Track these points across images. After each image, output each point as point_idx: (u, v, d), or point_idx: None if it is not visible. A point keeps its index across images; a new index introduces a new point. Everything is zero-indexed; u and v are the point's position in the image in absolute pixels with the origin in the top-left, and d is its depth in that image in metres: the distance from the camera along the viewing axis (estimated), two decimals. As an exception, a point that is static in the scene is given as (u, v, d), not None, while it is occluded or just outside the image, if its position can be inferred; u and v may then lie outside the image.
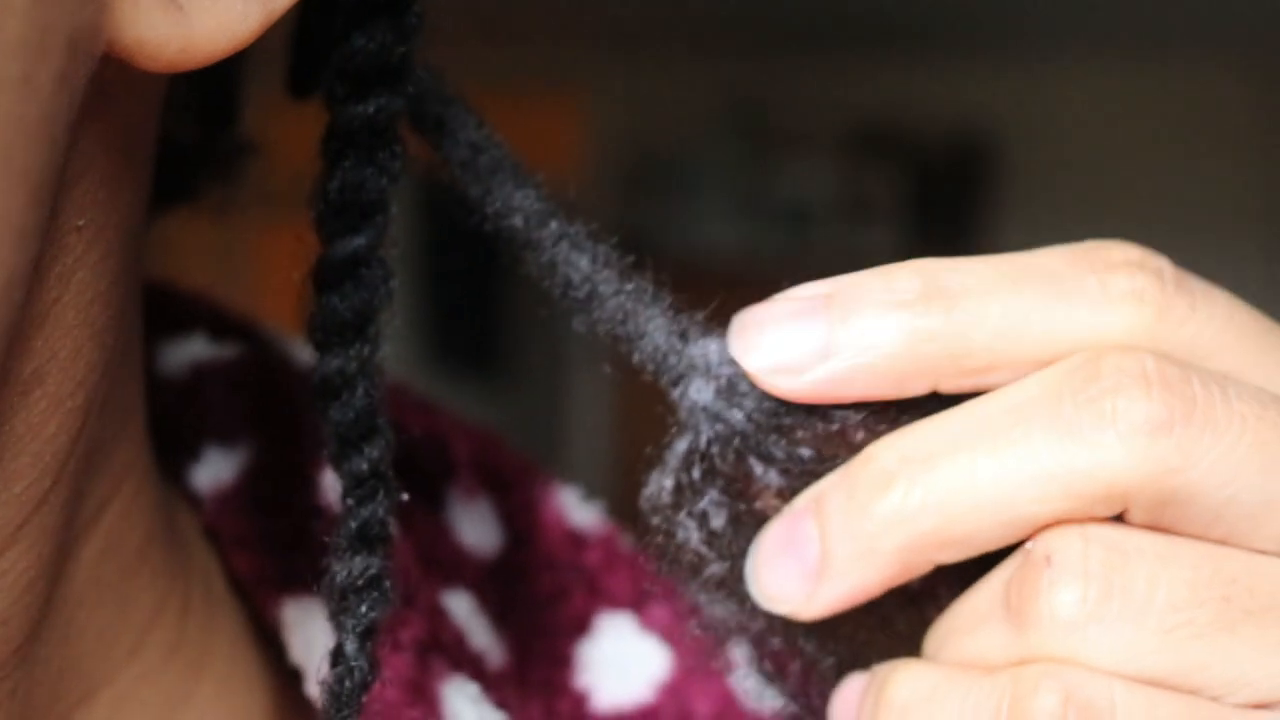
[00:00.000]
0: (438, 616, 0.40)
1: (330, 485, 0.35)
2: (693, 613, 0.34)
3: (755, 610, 0.33)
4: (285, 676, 0.40)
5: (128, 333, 0.36)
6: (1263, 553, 0.30)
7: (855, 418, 0.31)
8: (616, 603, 0.46)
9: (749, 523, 0.32)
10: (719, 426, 0.32)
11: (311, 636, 0.39)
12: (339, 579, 0.34)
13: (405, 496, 0.35)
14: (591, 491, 0.48)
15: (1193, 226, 2.84)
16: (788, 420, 0.32)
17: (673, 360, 0.33)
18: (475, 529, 0.45)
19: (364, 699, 0.34)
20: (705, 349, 0.32)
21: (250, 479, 0.41)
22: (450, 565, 0.43)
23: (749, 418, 0.32)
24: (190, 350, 0.44)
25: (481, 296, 3.92)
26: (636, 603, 0.46)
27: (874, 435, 0.31)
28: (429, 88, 0.34)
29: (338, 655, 0.34)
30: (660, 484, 0.33)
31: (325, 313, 0.33)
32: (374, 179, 0.33)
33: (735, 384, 0.32)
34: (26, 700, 0.35)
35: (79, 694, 0.36)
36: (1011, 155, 3.79)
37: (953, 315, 0.31)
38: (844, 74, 3.75)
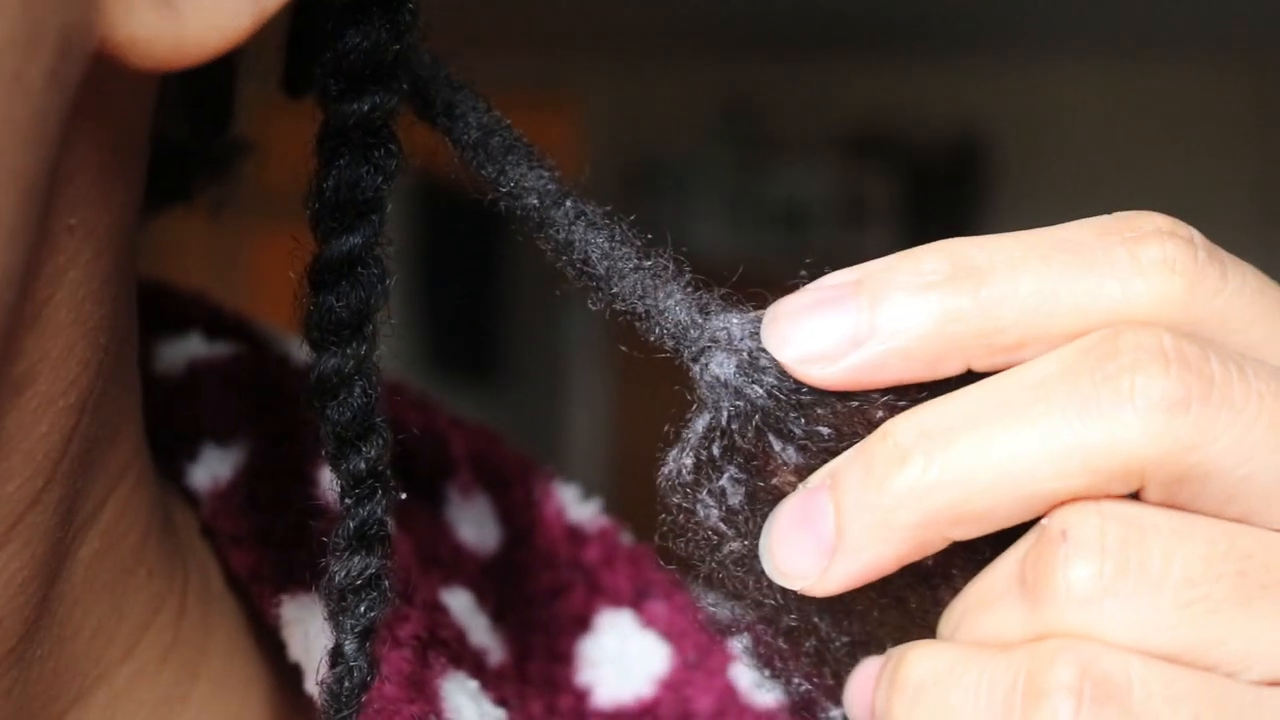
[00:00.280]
0: (437, 613, 0.40)
1: (328, 483, 0.35)
2: (703, 595, 0.34)
3: (770, 587, 0.32)
4: (285, 674, 0.40)
5: (122, 332, 0.35)
6: (1279, 530, 0.29)
7: (876, 395, 0.31)
8: (616, 599, 0.46)
9: (766, 500, 0.32)
10: (739, 402, 0.32)
11: (311, 634, 0.39)
12: (337, 579, 0.34)
13: (403, 496, 0.35)
14: (589, 494, 0.48)
15: (1188, 226, 2.83)
16: (808, 397, 0.32)
17: (694, 334, 0.32)
18: (474, 526, 0.45)
19: (363, 698, 0.34)
20: (727, 323, 0.32)
21: (248, 477, 0.41)
22: (449, 563, 0.43)
23: (770, 394, 0.32)
24: (187, 349, 0.44)
25: (478, 301, 3.93)
26: (636, 599, 0.46)
27: (894, 412, 0.31)
28: (436, 74, 0.34)
29: (337, 655, 0.34)
30: (680, 461, 0.32)
31: (322, 312, 0.33)
32: (369, 177, 0.33)
33: (757, 359, 0.32)
34: (22, 699, 0.34)
35: (74, 693, 0.36)
36: (1007, 157, 3.79)
37: (981, 294, 0.30)
38: (839, 77, 3.76)
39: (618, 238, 0.33)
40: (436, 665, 0.39)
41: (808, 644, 0.34)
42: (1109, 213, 0.32)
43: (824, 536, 0.31)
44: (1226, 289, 0.30)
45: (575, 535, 0.46)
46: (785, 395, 0.32)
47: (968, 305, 0.30)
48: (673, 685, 0.44)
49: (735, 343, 0.32)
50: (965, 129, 3.80)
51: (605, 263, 0.33)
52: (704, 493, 0.32)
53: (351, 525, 0.34)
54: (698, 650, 0.45)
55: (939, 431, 0.30)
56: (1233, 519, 0.30)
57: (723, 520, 0.33)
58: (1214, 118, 3.66)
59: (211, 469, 0.42)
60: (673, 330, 0.33)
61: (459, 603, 0.42)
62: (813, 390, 0.32)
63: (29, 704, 0.35)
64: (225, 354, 0.44)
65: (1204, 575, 0.29)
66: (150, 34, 0.30)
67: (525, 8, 3.34)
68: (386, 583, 0.34)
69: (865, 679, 0.33)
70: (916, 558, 0.31)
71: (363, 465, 0.34)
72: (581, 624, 0.45)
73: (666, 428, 0.33)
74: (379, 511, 0.34)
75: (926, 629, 0.33)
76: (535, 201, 0.33)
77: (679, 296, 0.33)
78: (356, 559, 0.34)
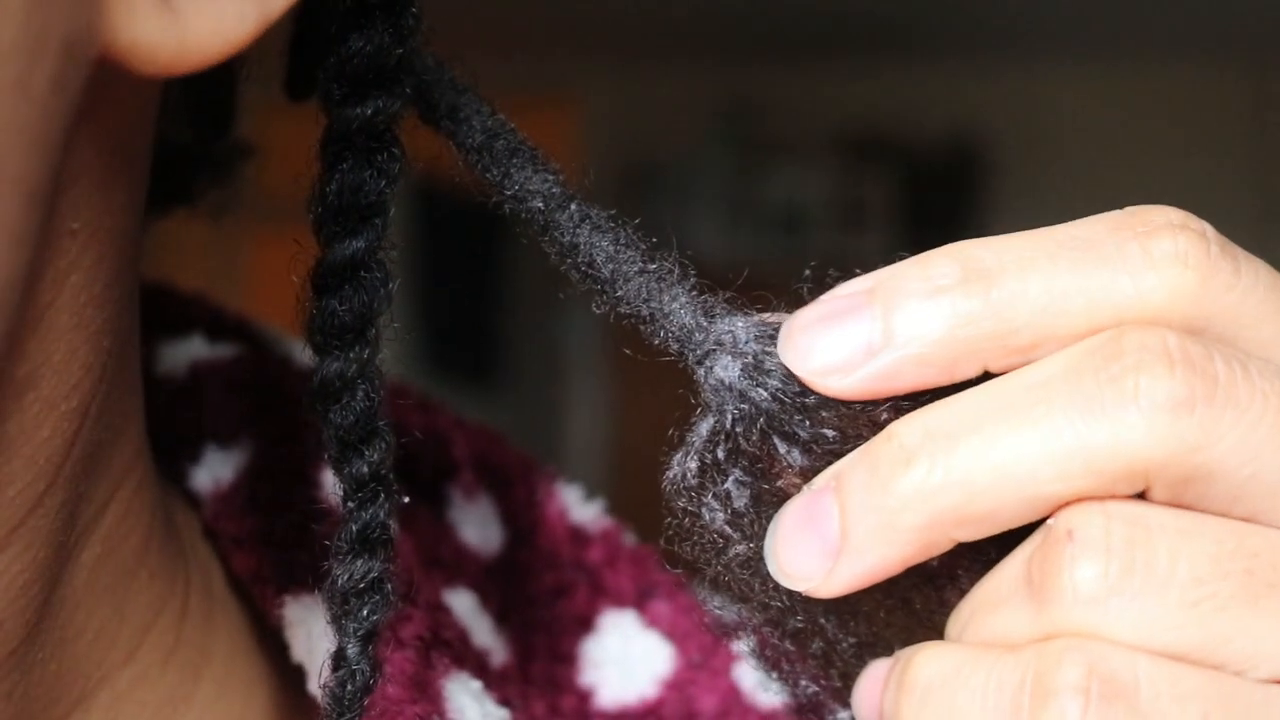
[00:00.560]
0: (440, 614, 0.40)
1: (330, 484, 0.35)
2: (709, 598, 0.34)
3: (776, 589, 0.32)
4: (288, 675, 0.40)
5: (124, 335, 0.35)
6: None
7: (884, 415, 0.31)
8: (620, 600, 0.46)
9: (772, 502, 0.32)
10: (744, 405, 0.32)
11: (313, 635, 0.39)
12: (340, 582, 0.34)
13: (406, 499, 0.35)
14: (589, 496, 0.48)
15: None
16: (813, 399, 0.32)
17: (698, 337, 0.32)
18: (476, 527, 0.45)
19: (365, 701, 0.34)
20: (732, 326, 0.32)
21: (250, 479, 0.41)
22: (452, 564, 0.43)
23: (775, 396, 0.32)
24: (189, 351, 0.44)
25: (478, 303, 3.92)
26: (640, 599, 0.46)
27: (900, 413, 0.31)
28: (440, 78, 0.34)
29: (339, 658, 0.34)
30: (684, 465, 0.32)
31: (325, 316, 0.33)
32: (373, 181, 0.33)
33: (761, 361, 0.32)
34: (23, 702, 0.35)
35: (76, 696, 0.36)
36: (1005, 159, 3.79)
37: (992, 295, 0.30)
38: (838, 80, 3.76)
39: (622, 241, 0.33)
40: (439, 666, 0.39)
41: (814, 645, 0.34)
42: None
43: (829, 538, 0.31)
44: (1239, 284, 0.30)
45: (578, 536, 0.46)
46: (790, 398, 0.32)
47: (979, 308, 0.30)
48: (676, 685, 0.44)
49: (740, 346, 0.32)
50: (964, 131, 3.80)
51: (610, 266, 0.33)
52: (709, 496, 0.32)
53: (354, 528, 0.34)
54: (701, 650, 0.45)
55: (944, 433, 0.30)
56: (1239, 518, 0.30)
57: (728, 523, 0.33)
58: (1212, 119, 3.66)
59: (213, 471, 0.42)
60: (677, 333, 0.33)
61: (462, 603, 0.42)
62: (814, 403, 0.32)
63: (30, 707, 0.35)
64: (227, 356, 0.44)
65: (1211, 574, 0.29)
66: (154, 40, 0.30)
67: (525, 9, 3.34)
68: (389, 586, 0.34)
69: (873, 681, 0.33)
70: (922, 559, 0.31)
71: (365, 469, 0.34)
72: (585, 624, 0.45)
73: (670, 431, 0.33)
74: (381, 515, 0.34)
75: (933, 630, 0.33)
76: (540, 205, 0.33)
77: (684, 300, 0.33)
78: (359, 562, 0.34)
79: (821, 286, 0.32)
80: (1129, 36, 3.52)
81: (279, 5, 0.31)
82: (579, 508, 0.47)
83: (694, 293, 0.33)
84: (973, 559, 0.32)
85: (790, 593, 0.32)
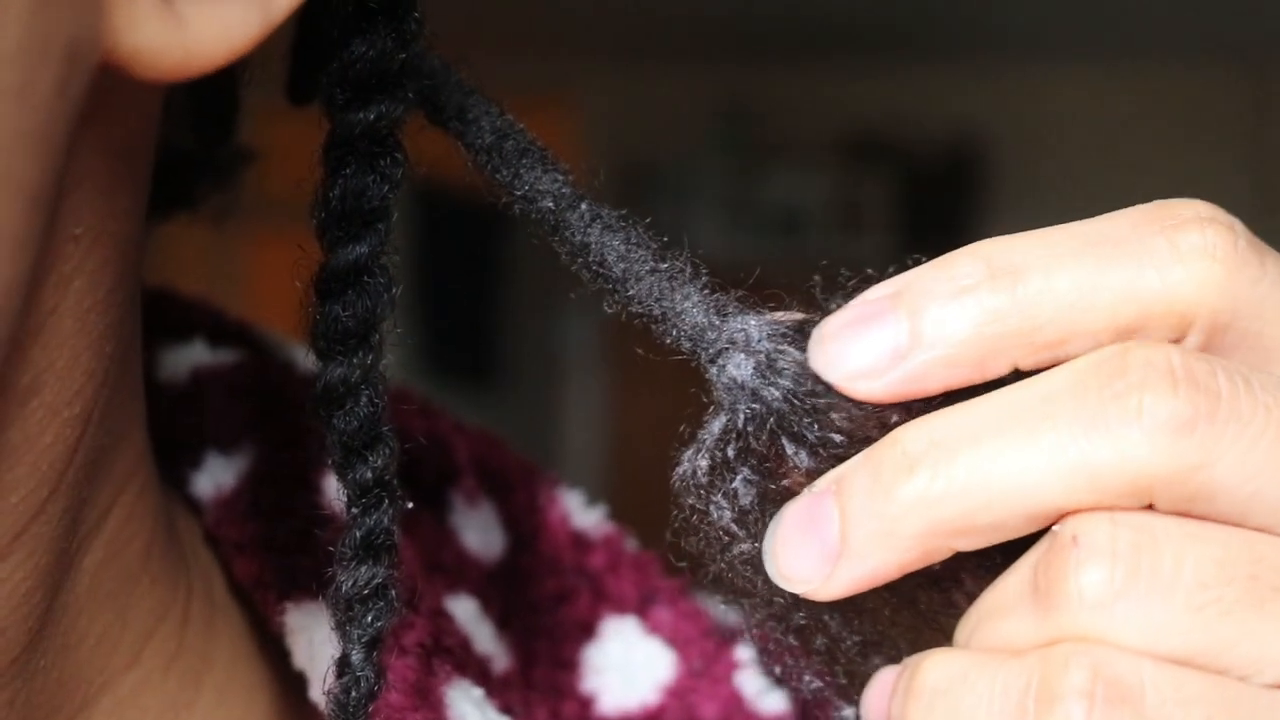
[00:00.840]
0: (441, 620, 0.40)
1: (332, 490, 0.35)
2: (714, 594, 0.34)
3: (780, 587, 0.33)
4: (289, 682, 0.40)
5: (127, 341, 0.35)
6: None
7: (894, 416, 0.31)
8: (621, 606, 0.45)
9: (778, 502, 0.32)
10: (756, 405, 0.32)
11: (315, 641, 0.39)
12: (344, 588, 0.34)
13: (410, 505, 0.35)
14: (586, 499, 0.48)
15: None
16: (824, 400, 0.32)
17: (711, 336, 0.32)
18: (478, 533, 0.45)
19: (370, 708, 0.34)
20: (744, 324, 0.32)
21: (251, 484, 0.41)
22: (453, 570, 0.43)
23: (786, 397, 0.32)
24: (190, 356, 0.44)
25: (476, 305, 3.92)
26: (642, 606, 0.46)
27: (910, 415, 0.31)
28: (447, 79, 0.34)
29: (344, 665, 0.34)
30: (695, 462, 0.32)
31: (328, 321, 0.33)
32: (375, 186, 0.33)
33: (774, 360, 0.32)
34: (26, 710, 0.34)
35: (79, 703, 0.36)
36: (1003, 161, 3.79)
37: (1018, 292, 0.30)
38: (837, 82, 3.76)
39: (633, 240, 0.33)
40: (441, 673, 0.39)
41: (818, 642, 0.34)
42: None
43: (828, 541, 0.31)
44: (1266, 278, 0.30)
45: (580, 541, 0.46)
46: (801, 399, 0.32)
47: (1006, 306, 0.30)
48: (678, 692, 0.44)
49: (753, 345, 0.32)
50: (962, 134, 3.80)
51: (621, 265, 0.33)
52: (718, 494, 0.33)
53: (358, 535, 0.34)
54: (703, 657, 0.45)
55: (948, 442, 0.30)
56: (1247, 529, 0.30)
57: (734, 521, 0.33)
58: (1212, 121, 3.66)
59: (215, 476, 0.42)
60: (690, 332, 0.33)
61: (463, 610, 0.42)
62: (829, 393, 0.32)
63: (33, 714, 0.35)
64: (229, 361, 0.44)
65: (1216, 578, 0.29)
66: (157, 45, 0.30)
67: (526, 10, 3.34)
68: (393, 592, 0.34)
69: (882, 688, 0.33)
70: (921, 566, 0.31)
71: (369, 475, 0.34)
72: (586, 631, 0.45)
73: (682, 427, 0.33)
74: (385, 521, 0.34)
75: (939, 630, 0.33)
76: (550, 205, 0.33)
77: (696, 298, 0.33)
78: (363, 569, 0.34)
79: (833, 285, 0.32)
80: (1128, 39, 3.52)
81: (281, 10, 0.31)
82: (581, 513, 0.47)
83: (706, 291, 0.33)
84: (978, 562, 0.32)
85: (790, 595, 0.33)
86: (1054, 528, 0.30)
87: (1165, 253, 0.30)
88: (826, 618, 0.33)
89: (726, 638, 0.46)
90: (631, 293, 0.33)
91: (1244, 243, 0.30)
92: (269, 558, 0.40)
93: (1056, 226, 0.31)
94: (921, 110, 3.78)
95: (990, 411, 0.30)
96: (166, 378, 0.44)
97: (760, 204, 3.79)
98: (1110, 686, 0.28)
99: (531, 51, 3.53)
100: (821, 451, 0.32)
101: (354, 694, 0.34)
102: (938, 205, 3.76)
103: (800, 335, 0.32)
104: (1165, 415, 0.29)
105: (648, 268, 0.33)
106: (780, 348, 0.32)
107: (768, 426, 0.32)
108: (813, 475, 0.32)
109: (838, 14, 3.32)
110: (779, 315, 0.33)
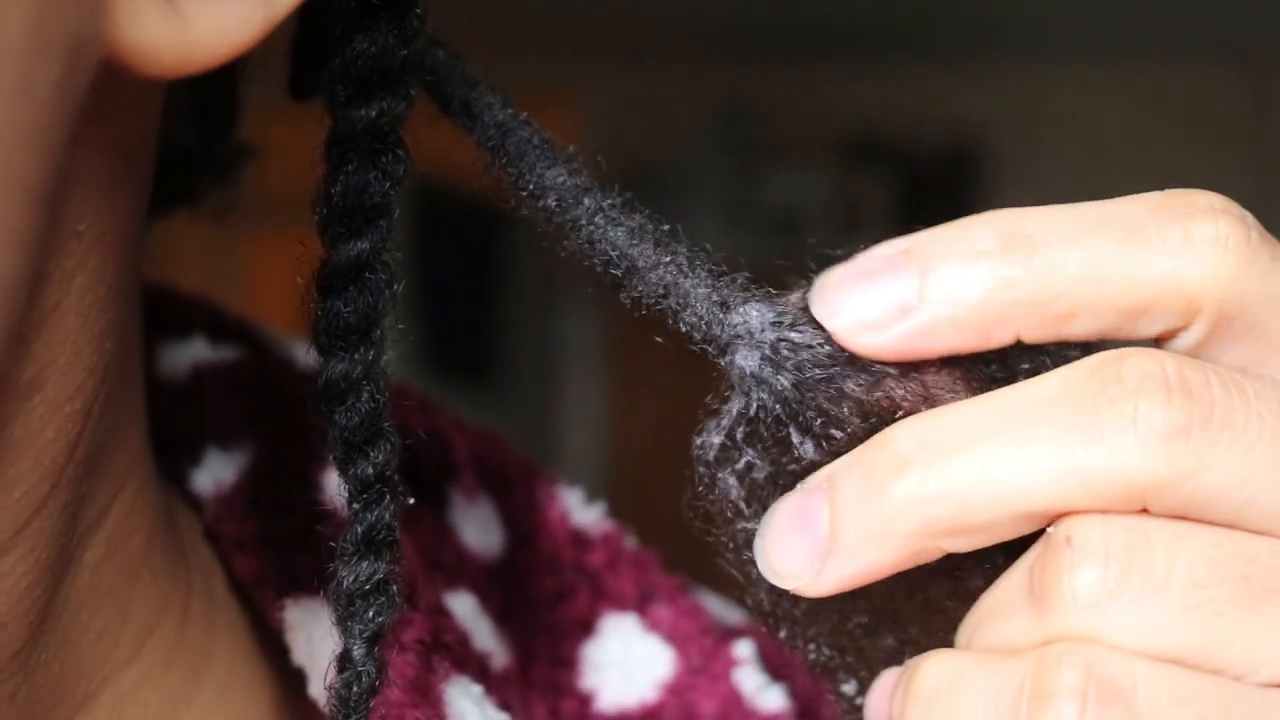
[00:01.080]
0: (441, 617, 0.40)
1: (332, 487, 0.35)
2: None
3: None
4: (289, 678, 0.40)
5: (128, 337, 0.35)
6: None
7: (898, 390, 0.32)
8: (620, 603, 0.45)
9: (781, 488, 0.33)
10: (764, 394, 0.32)
11: (314, 638, 0.39)
12: (345, 584, 0.34)
13: (411, 500, 0.35)
14: (585, 497, 0.48)
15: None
16: (833, 390, 0.32)
17: (716, 330, 0.33)
18: (477, 530, 0.45)
19: (371, 703, 0.34)
20: (746, 317, 0.33)
21: (251, 481, 0.41)
22: (453, 566, 0.43)
23: (795, 385, 0.32)
24: (191, 353, 0.44)
25: (474, 304, 3.92)
26: (640, 603, 0.46)
27: (916, 403, 0.31)
28: (452, 72, 0.34)
29: (345, 660, 0.34)
30: (709, 438, 0.33)
31: (329, 317, 0.33)
32: (377, 183, 0.33)
33: (779, 349, 0.32)
34: (26, 704, 0.34)
35: (80, 697, 0.36)
36: (1003, 162, 3.79)
37: (1034, 262, 0.30)
38: (836, 83, 3.76)
39: (636, 234, 0.33)
40: (440, 670, 0.39)
41: (822, 621, 0.34)
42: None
43: (818, 538, 0.31)
44: (1276, 272, 0.30)
45: (579, 539, 0.46)
46: (810, 386, 0.32)
47: (1020, 273, 0.30)
48: (676, 690, 0.44)
49: (756, 336, 0.32)
50: (962, 134, 3.80)
51: (625, 263, 0.33)
52: (726, 470, 0.33)
53: (359, 530, 0.34)
54: (702, 655, 0.45)
55: (940, 443, 0.30)
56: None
57: (742, 497, 0.33)
58: (1211, 122, 3.66)
59: (215, 473, 0.42)
60: (698, 325, 0.33)
61: (463, 606, 0.42)
62: (836, 381, 0.32)
63: (34, 709, 0.35)
64: (229, 358, 0.44)
65: (1209, 578, 0.29)
66: (158, 41, 0.30)
67: (526, 10, 3.34)
68: (394, 587, 0.34)
69: (885, 689, 0.33)
70: (911, 565, 0.31)
71: (371, 470, 0.34)
72: (585, 628, 0.45)
73: (709, 397, 0.33)
74: (387, 516, 0.34)
75: (944, 613, 0.33)
76: (554, 203, 0.34)
77: (701, 291, 0.33)
78: (365, 564, 0.34)
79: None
80: (1127, 39, 3.52)
81: (283, 7, 0.31)
82: (580, 511, 0.47)
83: (712, 281, 0.33)
84: (979, 559, 0.32)
85: None
86: (1049, 529, 0.30)
87: (1179, 240, 0.30)
88: (829, 600, 0.34)
89: (725, 635, 0.46)
90: (640, 288, 0.33)
91: (1256, 235, 0.31)
92: (268, 554, 0.40)
93: (1071, 204, 0.31)
94: (921, 110, 3.78)
95: (983, 414, 0.30)
96: (167, 374, 0.44)
97: (760, 204, 3.79)
98: (1103, 686, 0.28)
99: (532, 51, 3.53)
100: (824, 445, 0.32)
101: (355, 689, 0.34)
102: (938, 205, 3.75)
103: (805, 318, 0.32)
104: (1159, 423, 0.29)
105: (650, 262, 0.33)
106: (784, 336, 0.32)
107: (775, 414, 0.32)
108: (813, 467, 0.32)
109: (838, 14, 3.32)
110: (784, 299, 0.33)
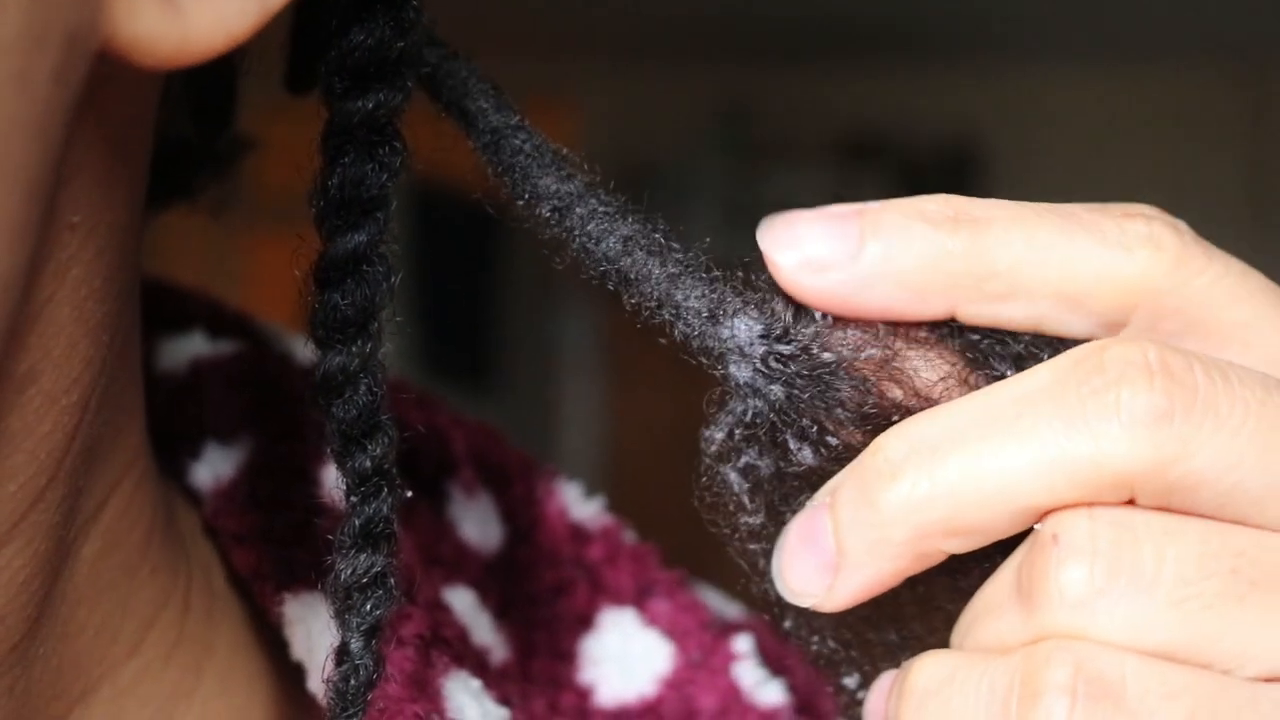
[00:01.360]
0: (440, 612, 0.40)
1: (331, 481, 0.35)
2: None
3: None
4: (287, 673, 0.40)
5: (125, 330, 0.35)
6: (1271, 530, 0.30)
7: (891, 394, 0.32)
8: (619, 598, 0.45)
9: (779, 489, 0.33)
10: (758, 402, 0.33)
11: (313, 632, 0.39)
12: (343, 577, 0.34)
13: (409, 494, 0.35)
14: (587, 495, 0.48)
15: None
16: (824, 399, 0.32)
17: (709, 344, 0.33)
18: (476, 524, 0.45)
19: (369, 696, 0.34)
20: (735, 331, 0.33)
21: (250, 476, 0.41)
22: (451, 561, 0.43)
23: (788, 396, 0.32)
24: (189, 347, 0.44)
25: (473, 305, 3.92)
26: (639, 597, 0.46)
27: (908, 407, 0.32)
28: (447, 75, 0.34)
29: (343, 653, 0.34)
30: (711, 435, 0.33)
31: (327, 310, 0.33)
32: (374, 175, 0.33)
33: (768, 362, 0.33)
34: (26, 697, 0.34)
35: (79, 691, 0.36)
36: (1001, 163, 3.79)
37: (978, 238, 0.31)
38: (835, 83, 3.76)
39: (629, 242, 0.34)
40: (439, 664, 0.39)
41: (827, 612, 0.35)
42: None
43: (826, 554, 0.32)
44: (1210, 270, 0.31)
45: (578, 533, 0.46)
46: (800, 398, 0.32)
47: (964, 246, 0.31)
48: (675, 684, 0.44)
49: (746, 350, 0.33)
50: (960, 135, 3.80)
51: (618, 275, 0.34)
52: (729, 465, 0.33)
53: (357, 523, 0.34)
54: (701, 649, 0.45)
55: (929, 446, 0.31)
56: (1226, 521, 0.30)
57: (745, 493, 0.34)
58: (1211, 122, 3.66)
59: (214, 467, 0.42)
60: (689, 337, 0.33)
61: (461, 601, 0.42)
62: (827, 389, 0.32)
63: (33, 702, 0.35)
64: (228, 352, 0.44)
65: (1196, 573, 0.29)
66: (155, 33, 0.30)
67: (526, 11, 3.34)
68: (392, 580, 0.34)
69: (883, 689, 0.33)
70: (917, 570, 0.32)
71: (368, 463, 0.34)
72: (584, 622, 0.45)
73: (709, 395, 0.34)
74: (384, 509, 0.34)
75: (942, 611, 0.33)
76: (548, 212, 0.34)
77: (691, 305, 0.33)
78: (363, 557, 0.34)
79: None
80: (1125, 41, 3.52)
81: None
82: (579, 505, 0.47)
83: (701, 292, 0.33)
84: (977, 557, 0.32)
85: None
86: (1035, 527, 0.30)
87: (1116, 236, 0.31)
88: None
89: (724, 629, 0.46)
90: (635, 300, 0.34)
91: (1189, 238, 0.32)
92: (267, 549, 0.40)
93: (1017, 201, 0.32)
94: (921, 111, 3.78)
95: (969, 412, 0.31)
96: (165, 369, 0.44)
97: (760, 204, 3.79)
98: (1092, 683, 0.29)
99: (532, 52, 3.53)
100: (822, 451, 0.33)
101: (353, 682, 0.34)
102: (936, 206, 3.75)
103: (792, 325, 0.33)
104: (1142, 408, 0.29)
105: (644, 273, 0.33)
106: (772, 349, 0.33)
107: (770, 422, 0.33)
108: (813, 473, 0.33)
109: (838, 15, 3.32)
110: (771, 307, 0.33)
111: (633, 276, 0.33)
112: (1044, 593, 0.29)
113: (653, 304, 0.33)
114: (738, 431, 0.33)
